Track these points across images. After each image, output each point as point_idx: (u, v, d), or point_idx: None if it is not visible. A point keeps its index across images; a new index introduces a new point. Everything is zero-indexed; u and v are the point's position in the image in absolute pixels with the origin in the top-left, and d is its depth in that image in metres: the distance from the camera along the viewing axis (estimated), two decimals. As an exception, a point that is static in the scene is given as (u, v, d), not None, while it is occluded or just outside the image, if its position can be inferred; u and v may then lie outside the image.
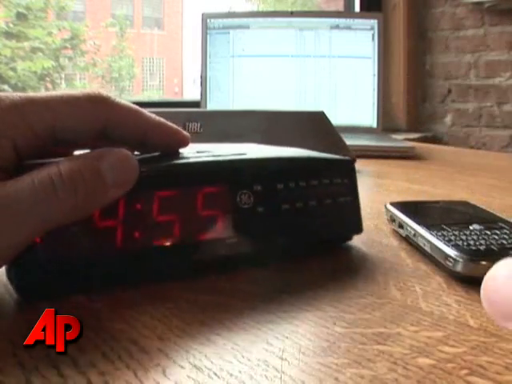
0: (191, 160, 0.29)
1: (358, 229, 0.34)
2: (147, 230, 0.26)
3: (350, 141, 0.69)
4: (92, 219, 0.25)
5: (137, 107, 0.28)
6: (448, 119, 1.72)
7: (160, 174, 0.27)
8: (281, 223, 0.30)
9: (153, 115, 0.29)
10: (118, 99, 0.27)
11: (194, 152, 0.30)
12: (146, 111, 0.28)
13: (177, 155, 0.29)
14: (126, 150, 0.25)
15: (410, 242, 0.35)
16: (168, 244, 0.27)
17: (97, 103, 0.26)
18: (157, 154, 0.29)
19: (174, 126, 0.29)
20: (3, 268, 0.25)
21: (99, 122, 0.27)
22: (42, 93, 0.26)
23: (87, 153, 0.25)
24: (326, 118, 0.68)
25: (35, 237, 0.24)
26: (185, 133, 0.30)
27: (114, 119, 0.27)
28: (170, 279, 0.28)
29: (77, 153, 0.27)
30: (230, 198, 0.28)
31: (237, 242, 0.28)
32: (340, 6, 1.83)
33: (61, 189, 0.23)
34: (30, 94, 0.26)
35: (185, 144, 0.30)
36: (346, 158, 0.35)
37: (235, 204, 0.28)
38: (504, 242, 0.30)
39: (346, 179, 0.33)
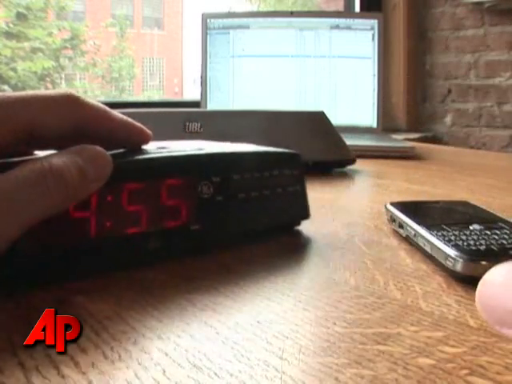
0: (155, 155, 0.31)
1: (305, 215, 0.38)
2: (118, 220, 0.28)
3: (349, 141, 0.69)
4: (68, 211, 0.26)
5: (105, 107, 0.30)
6: (448, 119, 1.72)
7: (128, 169, 0.29)
8: (238, 210, 0.33)
9: (119, 114, 0.30)
10: (87, 99, 0.29)
11: (155, 148, 0.32)
12: (112, 110, 0.30)
13: (140, 151, 0.32)
14: (99, 146, 0.27)
15: (410, 242, 0.35)
16: (137, 232, 0.29)
17: (70, 102, 0.28)
18: (122, 150, 0.31)
19: (138, 124, 0.31)
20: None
21: (73, 120, 0.28)
22: (17, 92, 0.27)
23: (66, 150, 0.26)
24: (326, 118, 0.68)
25: (25, 230, 0.24)
26: (147, 130, 0.32)
27: (86, 117, 0.29)
28: (148, 266, 0.29)
29: (39, 153, 0.29)
30: (192, 189, 0.31)
31: (199, 228, 0.31)
32: (340, 6, 1.83)
33: (52, 183, 0.24)
34: (6, 93, 0.26)
35: (147, 141, 0.32)
36: (294, 151, 0.38)
37: (196, 194, 0.31)
38: (504, 241, 0.30)
39: (294, 171, 0.37)
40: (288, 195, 0.36)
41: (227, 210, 0.33)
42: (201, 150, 0.33)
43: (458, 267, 0.28)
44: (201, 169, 0.32)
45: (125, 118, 0.31)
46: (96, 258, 0.28)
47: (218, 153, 0.34)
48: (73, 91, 0.28)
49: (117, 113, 0.30)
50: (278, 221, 0.36)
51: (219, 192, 0.32)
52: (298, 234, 0.37)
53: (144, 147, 0.32)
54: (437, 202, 0.42)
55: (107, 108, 0.30)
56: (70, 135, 0.28)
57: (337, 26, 1.08)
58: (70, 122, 0.28)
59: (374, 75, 1.07)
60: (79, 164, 0.25)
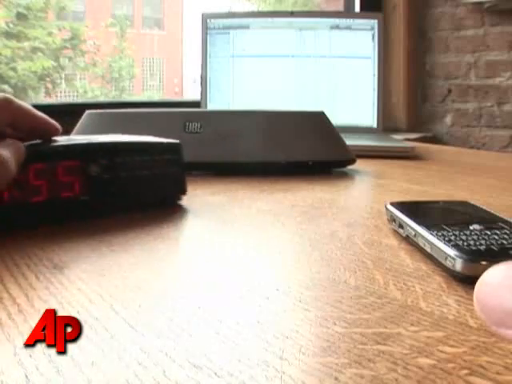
0: (56, 144, 0.40)
1: (183, 191, 0.47)
2: (24, 191, 0.37)
3: (349, 141, 0.69)
4: None
5: (29, 106, 0.38)
6: (448, 119, 1.72)
7: (34, 153, 0.38)
8: (122, 186, 0.42)
9: (39, 112, 0.38)
10: (17, 100, 0.36)
11: (65, 140, 0.41)
12: (33, 109, 0.38)
13: (50, 141, 0.40)
14: (18, 141, 0.35)
15: (410, 242, 0.35)
16: (39, 200, 0.38)
17: (7, 104, 0.36)
18: (37, 141, 0.39)
19: (52, 120, 0.40)
20: (5, 268, 0.25)
21: (9, 118, 0.36)
22: None
23: (2, 143, 0.33)
24: (326, 118, 0.68)
25: None
26: (58, 125, 0.40)
27: (17, 116, 0.37)
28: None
29: None
30: (83, 168, 0.40)
31: (88, 198, 0.40)
32: (340, 6, 1.82)
33: (9, 166, 0.32)
34: None
35: (58, 133, 0.40)
36: (175, 141, 0.46)
37: (87, 172, 0.40)
38: (504, 241, 0.30)
39: (174, 156, 0.46)
40: (167, 175, 0.45)
41: (112, 185, 0.42)
42: (95, 140, 0.43)
43: (458, 267, 0.28)
44: (90, 153, 0.41)
45: (43, 115, 0.39)
46: (8, 220, 0.36)
47: (106, 142, 0.43)
48: (7, 95, 0.36)
49: (37, 111, 0.38)
50: (159, 195, 0.46)
51: (106, 171, 0.41)
52: (178, 207, 0.46)
53: (55, 138, 0.40)
54: (437, 202, 0.42)
55: (31, 107, 0.38)
56: (2, 131, 0.36)
57: (337, 26, 1.08)
58: (8, 119, 0.36)
59: (374, 75, 1.07)
60: (14, 155, 0.34)
